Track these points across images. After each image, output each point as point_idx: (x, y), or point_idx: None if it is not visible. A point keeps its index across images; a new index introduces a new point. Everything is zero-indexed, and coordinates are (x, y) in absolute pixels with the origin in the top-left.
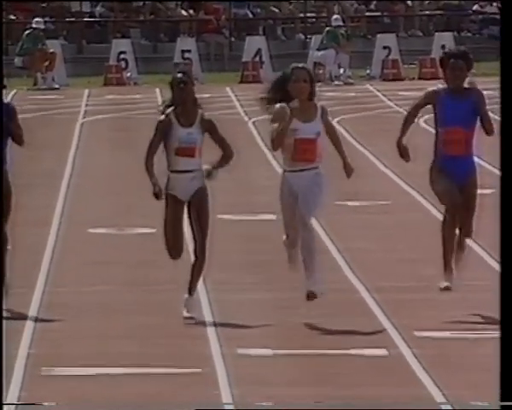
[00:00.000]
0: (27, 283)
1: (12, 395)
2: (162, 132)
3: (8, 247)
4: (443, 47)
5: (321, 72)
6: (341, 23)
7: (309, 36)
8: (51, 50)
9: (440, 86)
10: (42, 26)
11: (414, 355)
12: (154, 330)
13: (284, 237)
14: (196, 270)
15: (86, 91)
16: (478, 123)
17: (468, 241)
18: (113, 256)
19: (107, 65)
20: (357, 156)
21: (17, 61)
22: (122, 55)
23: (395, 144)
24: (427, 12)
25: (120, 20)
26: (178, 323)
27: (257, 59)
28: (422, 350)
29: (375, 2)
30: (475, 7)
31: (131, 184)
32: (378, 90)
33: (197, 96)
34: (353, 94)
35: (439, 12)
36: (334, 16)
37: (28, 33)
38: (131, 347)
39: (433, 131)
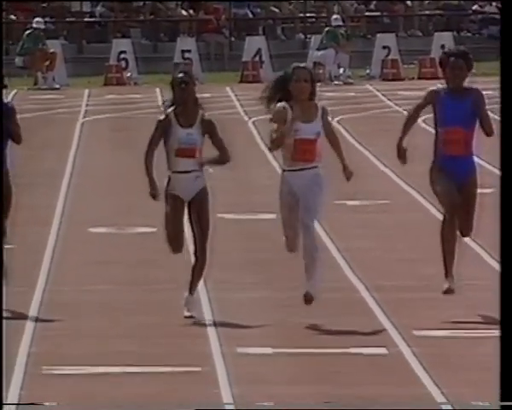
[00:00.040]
0: (28, 282)
1: (12, 394)
2: (162, 130)
3: (11, 246)
4: (442, 47)
5: (321, 71)
6: (341, 23)
7: (309, 36)
8: (52, 50)
9: (440, 86)
10: (42, 26)
11: (413, 354)
12: (154, 330)
13: (284, 238)
14: (197, 271)
15: (86, 91)
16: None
17: (468, 240)
18: (114, 256)
19: (107, 65)
20: (357, 156)
21: (18, 60)
22: (122, 55)
23: (395, 145)
24: (426, 12)
25: (120, 20)
26: (178, 322)
27: (257, 59)
28: (422, 349)
29: (374, 2)
30: (475, 7)
31: (132, 184)
32: (378, 90)
33: (198, 96)
34: (353, 94)
35: (438, 12)
36: (334, 16)
37: (29, 33)
38: (132, 346)
39: (433, 130)
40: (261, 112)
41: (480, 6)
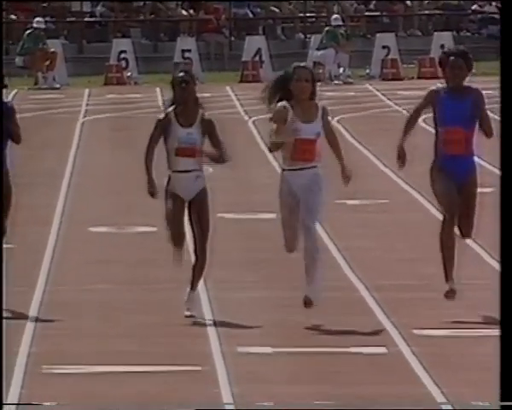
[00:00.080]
0: (28, 281)
1: (13, 393)
2: (161, 129)
3: (11, 245)
4: (442, 47)
5: (320, 71)
6: (341, 23)
7: (308, 35)
8: (52, 50)
9: (440, 85)
10: (43, 26)
11: (413, 354)
12: (154, 329)
13: (283, 239)
14: (197, 270)
15: (87, 91)
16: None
17: (468, 240)
18: (114, 255)
19: (107, 64)
20: (357, 155)
21: (18, 60)
22: (122, 55)
23: (395, 144)
24: (426, 12)
25: (121, 20)
26: (178, 321)
27: (257, 58)
28: (422, 348)
29: (374, 2)
30: (474, 6)
31: (132, 183)
32: (377, 90)
33: (198, 95)
34: (353, 93)
35: (438, 12)
36: (334, 16)
37: (29, 33)
38: (132, 345)
39: (432, 130)
40: (261, 111)
41: (480, 6)
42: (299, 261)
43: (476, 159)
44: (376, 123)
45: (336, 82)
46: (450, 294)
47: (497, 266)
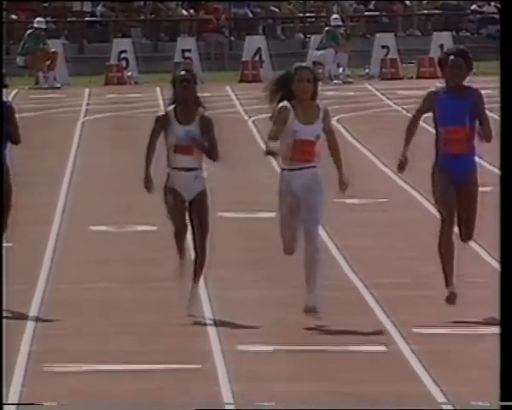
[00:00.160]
0: (29, 280)
1: (13, 391)
2: (161, 125)
3: (12, 244)
4: (441, 46)
5: (320, 71)
6: (340, 23)
7: (308, 35)
8: (53, 50)
9: (439, 85)
10: (43, 26)
11: (412, 352)
12: (154, 327)
13: (282, 240)
14: (198, 266)
15: (87, 90)
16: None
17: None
18: (114, 254)
19: (107, 64)
20: (356, 155)
21: (19, 60)
22: (123, 55)
23: (394, 143)
24: (425, 11)
25: (121, 20)
26: (178, 320)
27: (257, 58)
28: (421, 347)
29: (373, 2)
30: (473, 6)
31: (132, 183)
32: (377, 89)
33: (199, 95)
34: (352, 93)
35: (437, 12)
36: (334, 16)
37: (30, 33)
38: (132, 343)
39: (431, 129)
40: (261, 111)
41: (479, 6)
42: (298, 260)
43: (477, 158)
44: (376, 122)
45: (336, 82)
46: (451, 298)
47: (496, 264)
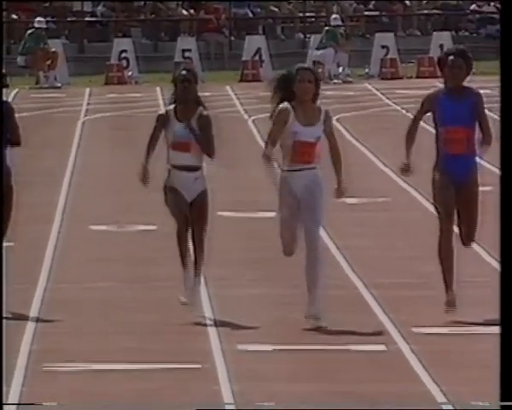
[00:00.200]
0: (29, 279)
1: (14, 391)
2: (162, 123)
3: (12, 243)
4: (441, 46)
5: (320, 71)
6: (340, 22)
7: (308, 35)
8: (53, 49)
9: (439, 85)
10: (44, 26)
11: (412, 351)
12: (154, 327)
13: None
14: (197, 261)
15: (87, 90)
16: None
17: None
18: (114, 253)
19: (108, 64)
20: (356, 154)
21: (19, 60)
22: (123, 54)
23: (394, 143)
24: (425, 11)
25: (121, 20)
26: (178, 319)
27: (256, 58)
28: (421, 346)
29: (373, 2)
30: (473, 6)
31: (132, 182)
32: (376, 89)
33: (199, 94)
34: (352, 93)
35: (436, 11)
36: (333, 16)
37: (30, 33)
38: (132, 343)
39: (431, 129)
40: (261, 110)
41: (478, 6)
42: (298, 260)
43: (477, 159)
44: (375, 122)
45: (335, 81)
46: (450, 305)
47: (496, 264)
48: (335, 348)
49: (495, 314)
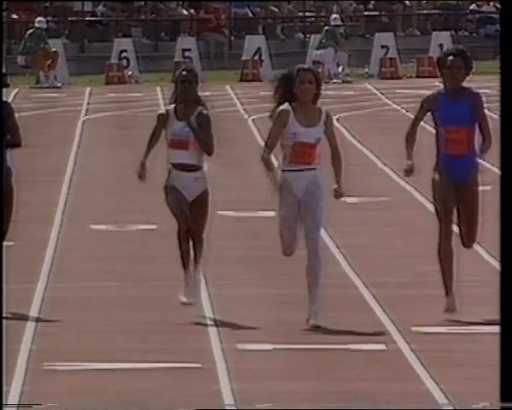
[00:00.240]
0: (29, 278)
1: (14, 390)
2: (162, 122)
3: (12, 243)
4: (440, 46)
5: (320, 70)
6: (340, 22)
7: (308, 35)
8: (53, 49)
9: (439, 84)
10: (44, 26)
11: (412, 350)
12: (154, 326)
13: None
14: (197, 253)
15: (88, 90)
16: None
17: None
18: (114, 252)
19: (108, 63)
20: (356, 153)
21: (20, 59)
22: (123, 54)
23: (394, 142)
24: (424, 11)
25: (122, 20)
26: (179, 318)
27: (256, 57)
28: (420, 345)
29: (373, 2)
30: (472, 6)
31: (132, 182)
32: (376, 89)
33: (200, 94)
34: (352, 92)
35: (436, 11)
36: (333, 15)
37: (31, 32)
38: (132, 342)
39: (431, 129)
40: (261, 110)
41: (478, 5)
42: (298, 259)
43: (478, 159)
44: (375, 121)
45: (335, 81)
46: (449, 309)
47: (495, 263)
48: (335, 348)
49: (495, 314)
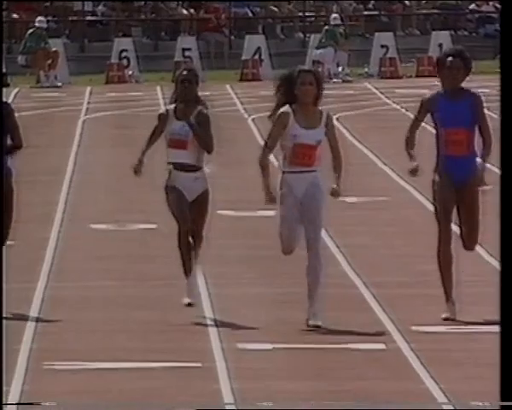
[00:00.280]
0: (30, 278)
1: (14, 389)
2: (163, 122)
3: (12, 242)
4: (440, 45)
5: (320, 70)
6: (340, 22)
7: (308, 35)
8: (54, 49)
9: (438, 84)
10: (45, 25)
11: (411, 350)
12: (154, 325)
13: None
14: (196, 249)
15: (88, 89)
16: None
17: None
18: (115, 251)
19: (108, 63)
20: (356, 153)
21: (20, 59)
22: (124, 54)
23: (393, 142)
24: (424, 11)
25: (122, 19)
26: (178, 318)
27: (256, 57)
28: (420, 345)
29: (373, 2)
30: (472, 6)
31: (132, 181)
32: (376, 88)
33: (200, 94)
34: (351, 92)
35: (436, 11)
36: (333, 15)
37: (31, 32)
38: (132, 341)
39: (428, 127)
40: (260, 109)
41: (477, 5)
42: (298, 258)
43: (478, 159)
44: (375, 121)
45: (335, 80)
46: (450, 316)
47: (495, 263)
48: (335, 347)
49: (494, 313)
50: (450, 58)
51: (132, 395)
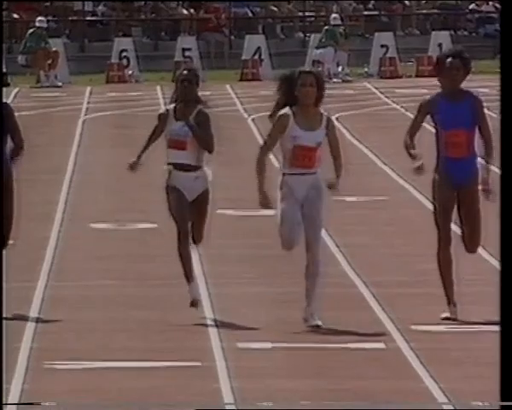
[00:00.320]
0: (30, 277)
1: (15, 388)
2: (163, 122)
3: (12, 241)
4: (440, 45)
5: (320, 70)
6: (340, 22)
7: (308, 34)
8: (54, 49)
9: (437, 83)
10: (45, 25)
11: (411, 349)
12: (154, 325)
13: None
14: (196, 243)
15: (88, 89)
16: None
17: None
18: (115, 251)
19: (108, 63)
20: (355, 153)
21: (20, 59)
22: (124, 54)
23: (393, 141)
24: (424, 11)
25: (122, 19)
26: (178, 317)
27: (256, 57)
28: (420, 344)
29: (372, 2)
30: (472, 6)
31: (132, 181)
32: (376, 88)
33: (200, 94)
34: (351, 91)
35: (435, 11)
36: (333, 15)
37: (31, 32)
38: (132, 341)
39: (428, 127)
40: (260, 109)
41: (477, 5)
42: (298, 257)
43: (478, 160)
44: (375, 121)
45: (335, 80)
46: (446, 319)
47: (495, 262)
48: (334, 346)
49: (494, 312)
50: (449, 59)
51: (132, 395)
